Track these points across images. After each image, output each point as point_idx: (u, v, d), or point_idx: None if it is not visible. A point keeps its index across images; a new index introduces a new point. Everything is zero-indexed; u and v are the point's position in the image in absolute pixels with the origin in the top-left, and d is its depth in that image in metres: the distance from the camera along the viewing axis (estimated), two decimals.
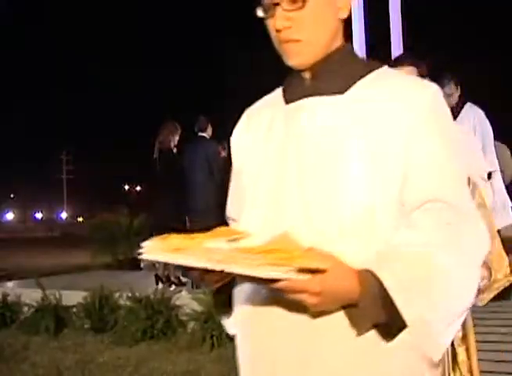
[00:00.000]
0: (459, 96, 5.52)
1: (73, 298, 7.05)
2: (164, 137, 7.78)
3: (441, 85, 5.27)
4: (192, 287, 7.41)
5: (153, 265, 10.34)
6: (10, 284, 8.76)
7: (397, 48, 10.06)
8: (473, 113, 5.53)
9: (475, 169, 2.47)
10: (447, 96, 5.38)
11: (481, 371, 2.69)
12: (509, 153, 8.91)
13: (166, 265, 7.82)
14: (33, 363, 5.65)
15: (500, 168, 8.76)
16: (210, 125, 7.82)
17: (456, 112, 5.40)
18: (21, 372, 5.44)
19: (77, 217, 73.62)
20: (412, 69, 3.02)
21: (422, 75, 3.51)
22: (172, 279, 7.75)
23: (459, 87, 5.45)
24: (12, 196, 79.57)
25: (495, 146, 8.66)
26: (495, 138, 5.37)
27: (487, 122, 5.75)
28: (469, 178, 2.18)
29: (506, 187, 8.95)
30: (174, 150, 7.81)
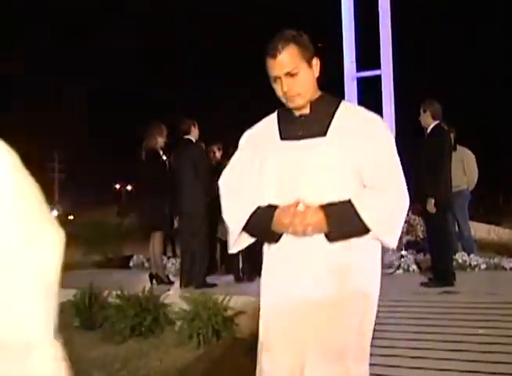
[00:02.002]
0: None
1: (63, 295, 7.10)
2: (150, 139, 7.83)
3: None
4: (181, 286, 7.51)
5: (141, 264, 10.44)
6: None
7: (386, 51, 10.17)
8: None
9: None
10: None
11: None
12: (473, 158, 9.03)
13: (155, 263, 7.93)
14: None
15: (465, 174, 8.93)
16: (195, 127, 7.78)
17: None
18: None
19: (68, 215, 73.37)
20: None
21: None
22: (161, 277, 7.84)
23: None
24: None
25: (460, 151, 8.79)
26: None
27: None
28: None
29: (470, 193, 9.11)
30: (161, 152, 7.87)
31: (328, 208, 2.44)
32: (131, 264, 10.65)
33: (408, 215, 9.92)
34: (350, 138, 2.47)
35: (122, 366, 5.36)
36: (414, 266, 8.43)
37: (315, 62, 2.55)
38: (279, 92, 2.54)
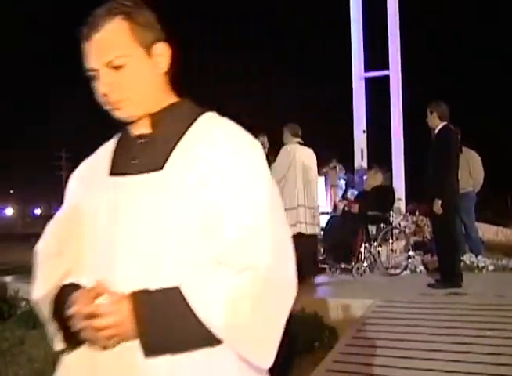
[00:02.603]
0: None
1: None
2: None
3: None
4: None
5: None
6: (8, 279, 8.83)
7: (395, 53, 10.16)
8: None
9: None
10: None
11: None
12: (479, 159, 9.00)
13: None
14: (29, 357, 5.73)
15: (471, 175, 8.90)
16: None
17: None
18: (17, 366, 5.53)
19: None
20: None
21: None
22: None
23: None
24: (11, 191, 79.47)
25: (466, 153, 8.75)
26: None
27: None
28: None
29: (476, 195, 9.10)
30: None
31: (141, 299, 1.37)
32: None
33: (415, 215, 9.92)
34: (200, 174, 1.45)
35: None
36: (421, 267, 8.40)
37: (162, 50, 1.54)
38: (98, 95, 1.54)
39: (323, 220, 8.48)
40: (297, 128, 7.95)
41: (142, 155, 1.52)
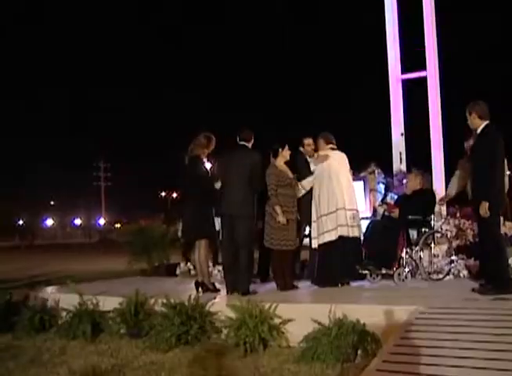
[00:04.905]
0: None
1: (109, 303, 7.15)
2: (196, 148, 7.87)
3: None
4: (227, 293, 7.45)
5: (188, 271, 10.44)
6: (49, 289, 8.91)
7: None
8: None
9: None
10: None
11: None
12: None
13: (201, 272, 7.90)
14: (70, 367, 5.75)
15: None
16: (253, 138, 7.81)
17: None
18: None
19: (114, 223, 74.24)
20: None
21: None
22: (207, 285, 7.80)
23: None
24: (51, 203, 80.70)
25: None
26: None
27: None
28: None
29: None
30: (205, 159, 7.89)
31: None
32: (177, 272, 10.66)
33: (456, 218, 9.70)
34: None
35: (168, 375, 5.33)
36: (465, 272, 8.24)
37: None
38: None
39: (363, 225, 8.37)
40: (331, 136, 8.36)
41: None
